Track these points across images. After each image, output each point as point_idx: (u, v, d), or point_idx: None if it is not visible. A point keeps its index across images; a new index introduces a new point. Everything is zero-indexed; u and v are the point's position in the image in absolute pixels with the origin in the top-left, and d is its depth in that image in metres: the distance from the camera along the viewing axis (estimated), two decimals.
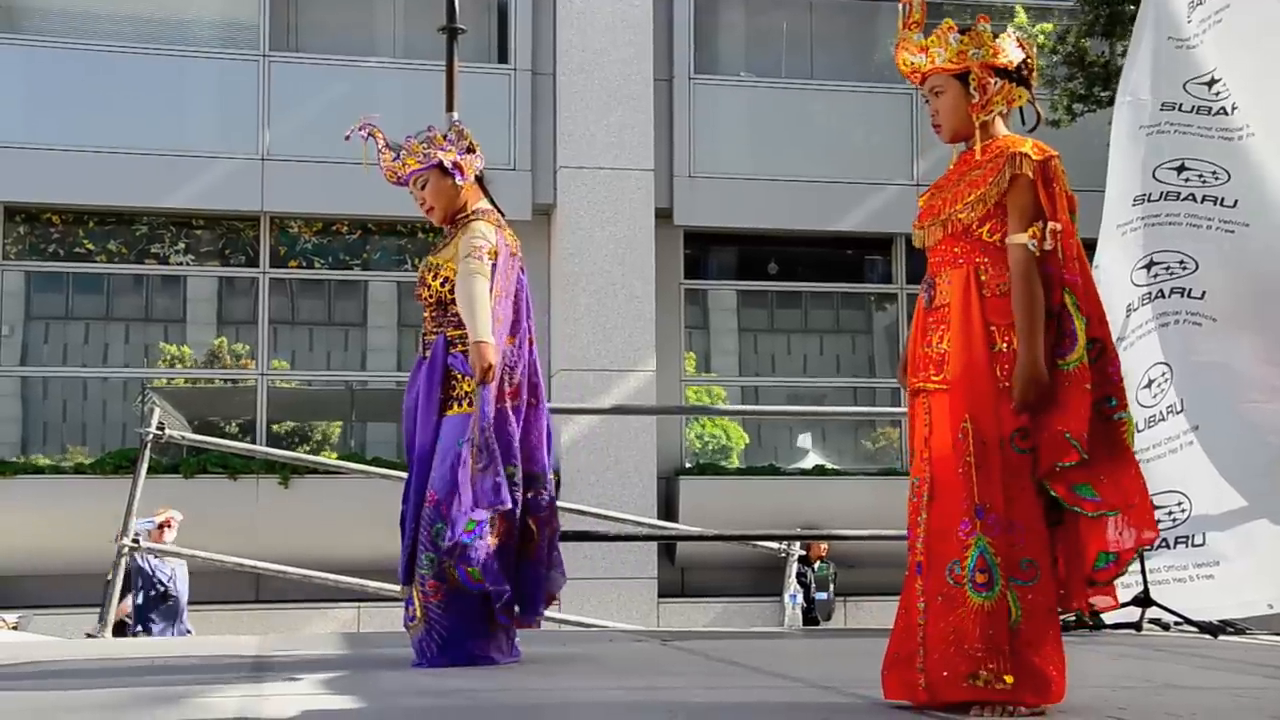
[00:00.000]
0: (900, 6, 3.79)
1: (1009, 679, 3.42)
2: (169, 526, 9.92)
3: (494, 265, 4.65)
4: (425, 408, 4.68)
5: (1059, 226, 3.58)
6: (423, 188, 4.81)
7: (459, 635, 4.58)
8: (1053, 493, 3.53)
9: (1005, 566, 3.46)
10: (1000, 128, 3.76)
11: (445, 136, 4.83)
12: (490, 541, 4.51)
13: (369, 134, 4.87)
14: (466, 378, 4.62)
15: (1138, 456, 3.65)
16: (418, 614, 4.60)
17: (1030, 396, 3.48)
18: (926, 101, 3.82)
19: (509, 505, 4.53)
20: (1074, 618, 6.17)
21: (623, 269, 13.93)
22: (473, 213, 4.79)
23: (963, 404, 3.54)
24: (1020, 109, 3.82)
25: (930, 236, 3.75)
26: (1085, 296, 3.61)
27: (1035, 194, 3.60)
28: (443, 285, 4.70)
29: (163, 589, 9.80)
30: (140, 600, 9.83)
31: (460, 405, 4.63)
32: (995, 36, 3.73)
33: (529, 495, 4.73)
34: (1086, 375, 3.54)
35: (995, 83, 3.71)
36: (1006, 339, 3.56)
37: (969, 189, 3.67)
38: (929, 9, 3.80)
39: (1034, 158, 3.61)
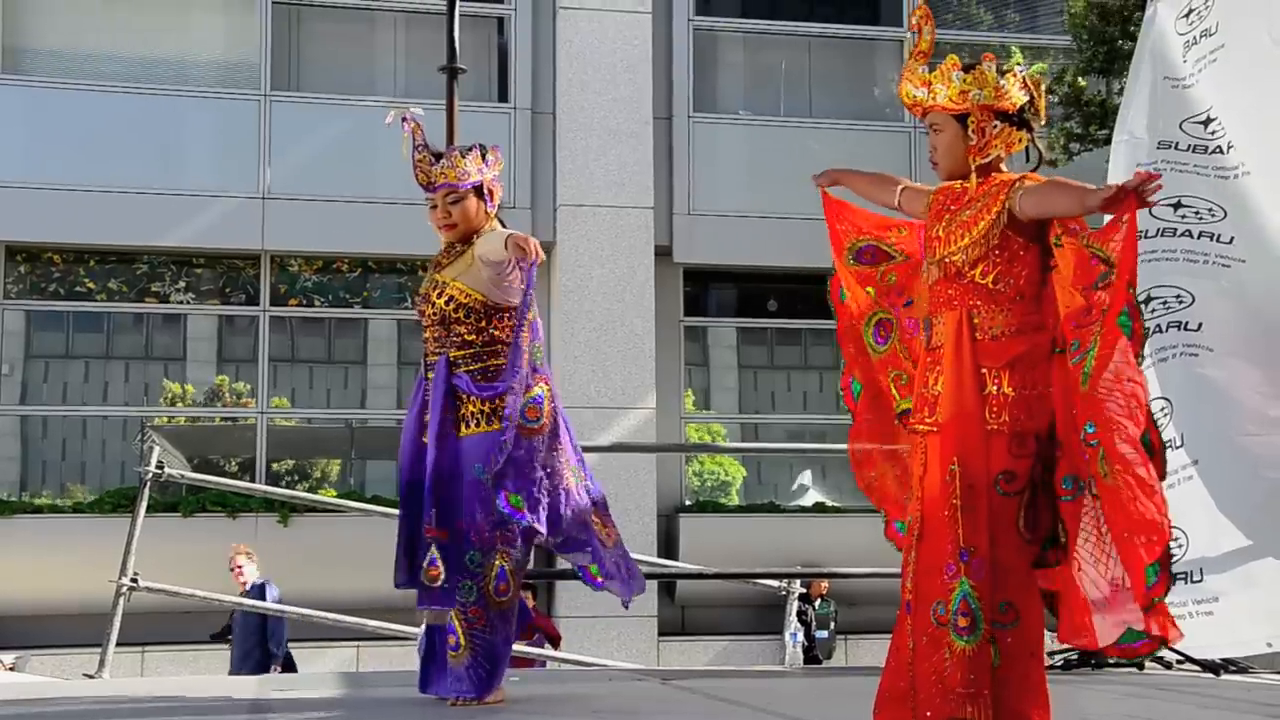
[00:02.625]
0: (908, 34, 3.77)
1: None
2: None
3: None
4: (436, 430, 4.61)
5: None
6: (453, 203, 4.77)
7: (503, 657, 4.60)
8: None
9: (987, 610, 3.45)
10: (999, 165, 3.72)
11: (485, 158, 4.81)
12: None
13: (410, 130, 4.85)
14: (473, 398, 4.62)
15: None
16: (461, 642, 4.51)
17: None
18: (928, 133, 3.81)
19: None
20: (1076, 656, 6.15)
21: (622, 306, 13.94)
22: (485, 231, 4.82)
23: (952, 447, 3.54)
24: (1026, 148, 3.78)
25: (929, 275, 3.75)
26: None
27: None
28: (448, 304, 4.68)
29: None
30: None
31: (476, 424, 4.61)
32: (1001, 75, 3.66)
33: None
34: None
35: (995, 126, 3.67)
36: (997, 381, 3.56)
37: (962, 231, 3.66)
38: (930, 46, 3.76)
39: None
